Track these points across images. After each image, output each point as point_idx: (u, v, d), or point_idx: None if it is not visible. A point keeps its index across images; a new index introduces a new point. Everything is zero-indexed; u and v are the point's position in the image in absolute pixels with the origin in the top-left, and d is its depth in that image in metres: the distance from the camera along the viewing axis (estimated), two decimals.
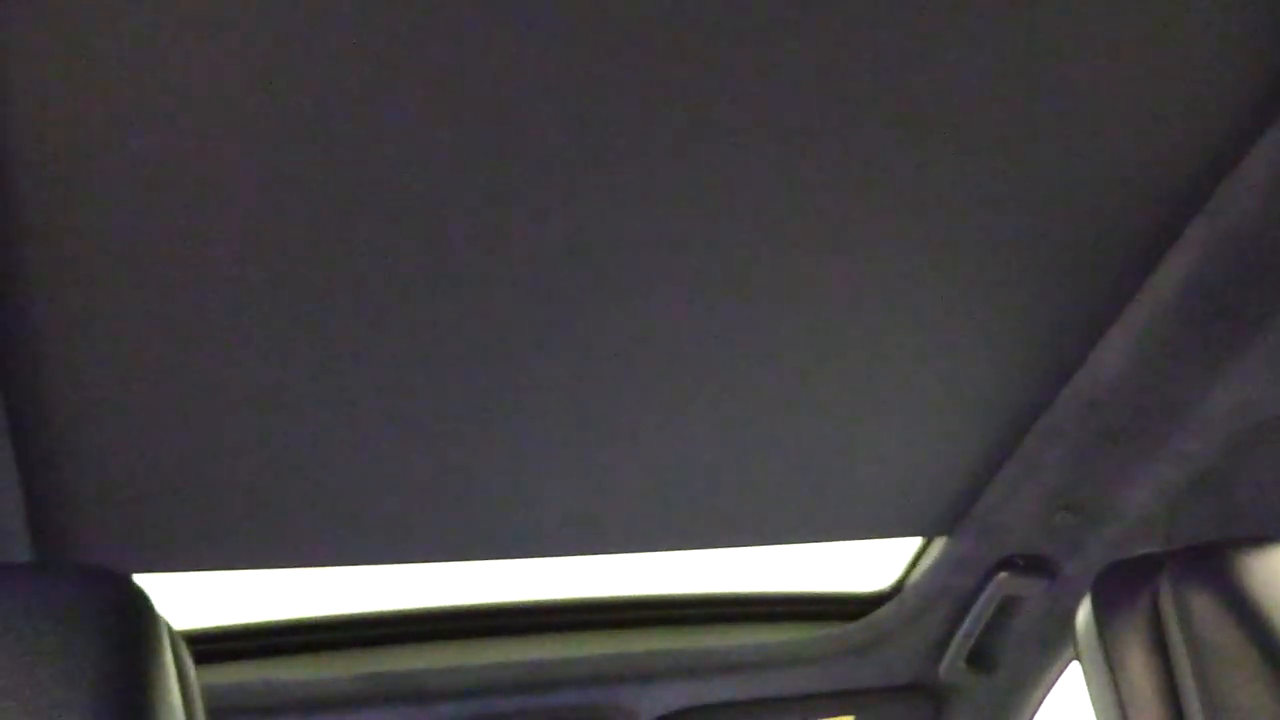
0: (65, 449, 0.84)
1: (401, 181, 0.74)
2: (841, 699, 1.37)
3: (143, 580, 0.59)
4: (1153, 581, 0.94)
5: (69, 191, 0.69)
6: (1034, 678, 1.38)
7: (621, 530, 1.07)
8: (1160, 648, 0.92)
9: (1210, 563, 0.91)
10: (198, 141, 0.68)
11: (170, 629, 0.62)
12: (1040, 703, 1.43)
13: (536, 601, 1.28)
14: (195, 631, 1.17)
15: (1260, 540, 0.94)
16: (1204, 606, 0.88)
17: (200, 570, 0.97)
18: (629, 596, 1.31)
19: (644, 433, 0.98)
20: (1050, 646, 1.35)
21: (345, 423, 0.89)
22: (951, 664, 1.36)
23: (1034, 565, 1.27)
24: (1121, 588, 0.95)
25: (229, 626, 1.18)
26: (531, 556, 1.07)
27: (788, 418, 1.01)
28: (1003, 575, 1.27)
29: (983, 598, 1.29)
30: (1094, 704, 0.95)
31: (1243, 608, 0.87)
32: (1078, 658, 0.97)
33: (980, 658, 1.38)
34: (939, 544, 1.28)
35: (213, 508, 0.92)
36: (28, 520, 0.87)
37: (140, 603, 0.57)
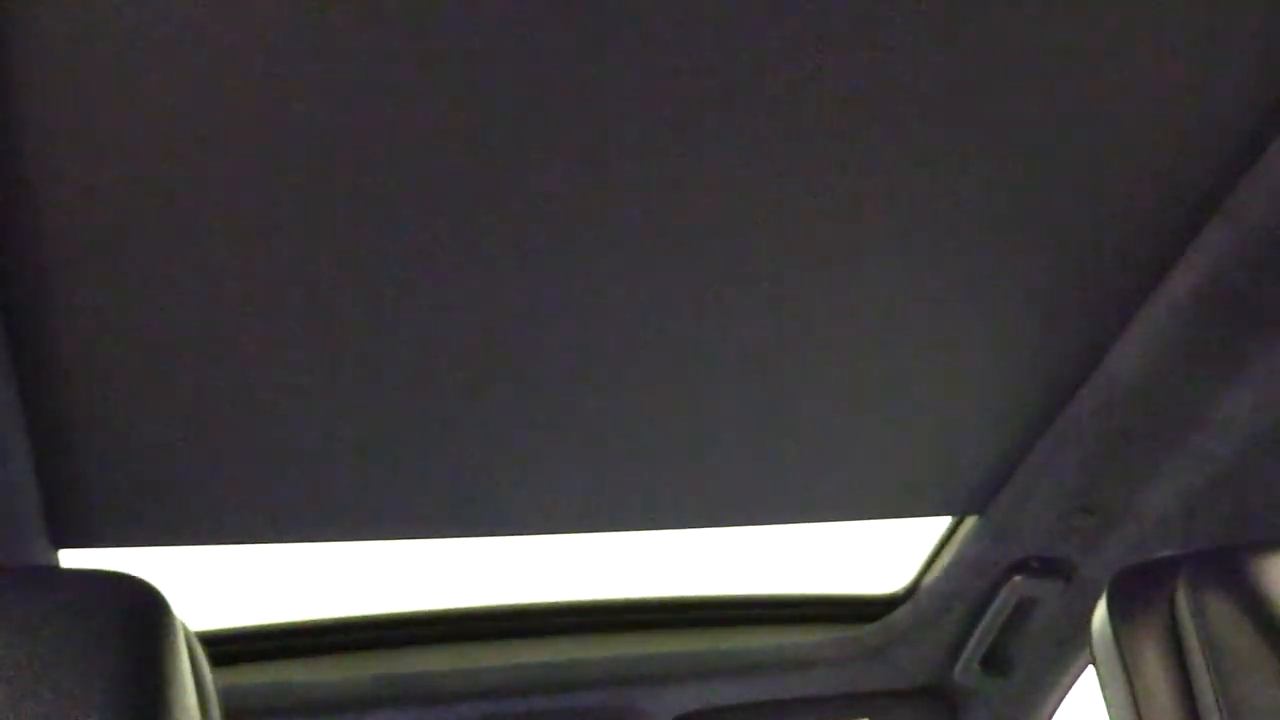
0: (76, 432, 0.84)
1: (406, 161, 0.74)
2: (856, 701, 1.37)
3: (160, 582, 0.60)
4: (1169, 584, 0.94)
5: (73, 182, 0.70)
6: (1050, 681, 1.37)
7: (648, 507, 1.06)
8: (1177, 651, 0.91)
9: (1227, 565, 0.90)
10: (197, 129, 0.69)
11: (187, 630, 0.62)
12: (1056, 706, 1.42)
13: (551, 603, 1.28)
14: (212, 633, 1.18)
15: (1278, 543, 0.93)
16: (1221, 609, 0.88)
17: (204, 544, 0.97)
18: (643, 598, 1.31)
19: (670, 409, 0.97)
20: (1066, 649, 1.34)
21: (352, 398, 0.89)
22: (966, 667, 1.35)
23: (1050, 567, 1.26)
24: (1138, 590, 0.94)
25: (246, 628, 1.19)
26: (553, 533, 1.06)
27: (810, 400, 1.00)
28: (1018, 577, 1.26)
29: (998, 600, 1.28)
30: (1109, 708, 0.95)
31: (1260, 611, 0.87)
32: (1093, 661, 0.97)
33: (995, 660, 1.37)
34: (953, 546, 1.28)
35: (219, 484, 0.92)
36: (41, 498, 0.87)
37: (157, 605, 0.57)
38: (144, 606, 0.56)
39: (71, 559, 0.98)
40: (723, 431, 1.01)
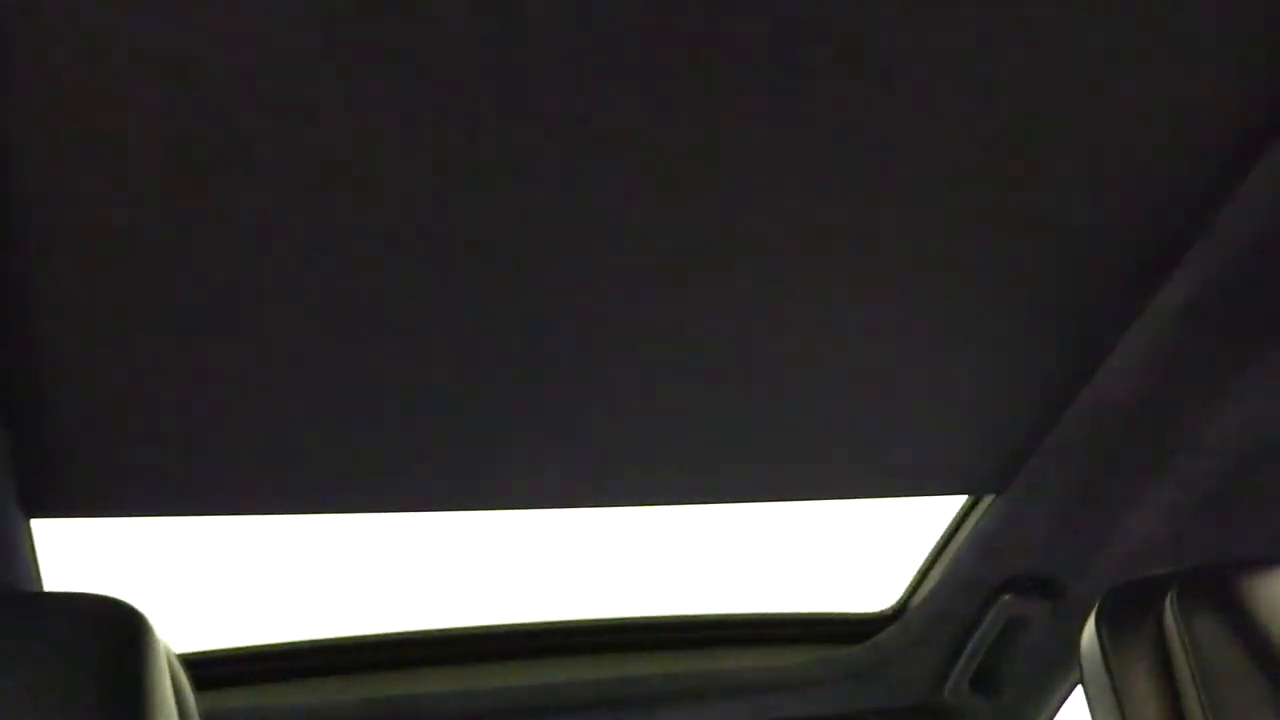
0: (50, 399, 0.82)
1: (407, 144, 0.73)
2: None
3: (142, 604, 0.59)
4: (1158, 603, 0.94)
5: (45, 155, 0.68)
6: (1040, 700, 1.37)
7: (657, 482, 1.05)
8: (1165, 670, 0.91)
9: (1216, 584, 0.90)
10: (176, 93, 0.68)
11: (170, 654, 0.62)
12: None
13: (540, 624, 1.28)
14: (197, 655, 1.17)
15: (1266, 562, 0.93)
16: (1210, 628, 0.88)
17: (180, 515, 0.94)
18: (634, 618, 1.31)
19: (679, 384, 0.96)
20: (1056, 669, 1.34)
21: (338, 363, 0.86)
22: (956, 686, 1.35)
23: (1039, 586, 1.26)
24: (1126, 610, 0.94)
25: (230, 650, 1.18)
26: (562, 507, 1.04)
27: (813, 385, 0.99)
28: (1007, 597, 1.26)
29: (987, 619, 1.28)
30: None
31: (1249, 630, 0.87)
32: (1082, 681, 0.97)
33: (985, 680, 1.37)
34: (942, 565, 1.28)
35: (197, 454, 0.90)
36: (13, 467, 0.85)
37: (139, 628, 0.57)
38: (126, 629, 0.56)
39: (44, 529, 0.95)
40: (728, 407, 1.00)
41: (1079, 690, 1.39)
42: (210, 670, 1.15)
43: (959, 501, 1.28)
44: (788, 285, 0.89)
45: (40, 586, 0.98)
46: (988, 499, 1.22)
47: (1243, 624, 0.87)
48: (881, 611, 1.37)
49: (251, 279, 0.78)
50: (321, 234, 0.77)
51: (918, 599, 1.31)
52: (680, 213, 0.82)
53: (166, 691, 0.57)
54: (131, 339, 0.81)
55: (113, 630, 0.55)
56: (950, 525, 1.30)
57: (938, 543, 1.31)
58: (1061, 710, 1.41)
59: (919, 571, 1.33)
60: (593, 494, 1.04)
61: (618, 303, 0.87)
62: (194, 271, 0.77)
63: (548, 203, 0.79)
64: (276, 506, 0.96)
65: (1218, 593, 0.90)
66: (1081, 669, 0.97)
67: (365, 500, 0.98)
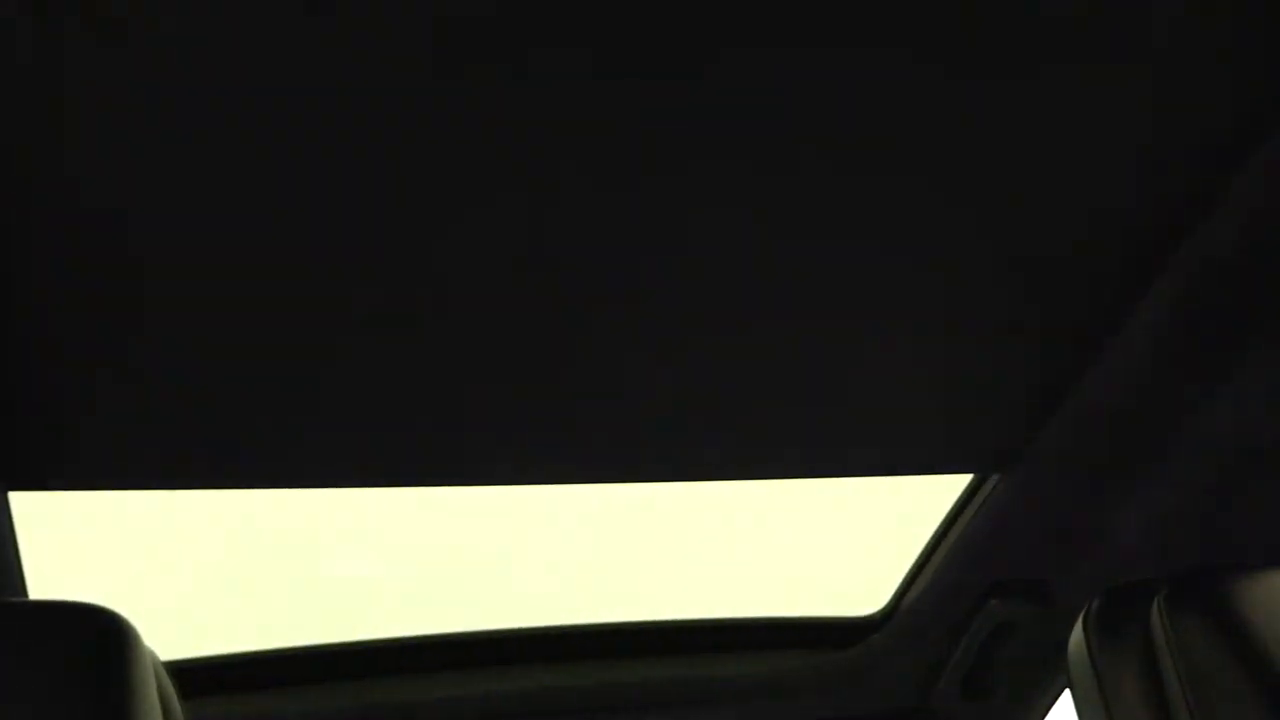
0: (27, 368, 0.81)
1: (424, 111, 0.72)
2: None
3: (129, 613, 0.59)
4: (1146, 607, 0.94)
5: (38, 126, 0.68)
6: (1029, 704, 1.37)
7: (659, 457, 1.04)
8: (1153, 674, 0.92)
9: (1204, 589, 0.91)
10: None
11: (155, 661, 0.61)
12: None
13: (526, 630, 1.28)
14: (185, 662, 1.16)
15: (1254, 566, 0.94)
16: (1197, 633, 0.88)
17: (161, 488, 0.93)
18: (623, 623, 1.31)
19: (687, 358, 0.95)
20: (1045, 673, 1.34)
21: (330, 336, 0.85)
22: (945, 691, 1.35)
23: (1027, 590, 1.27)
24: (1114, 614, 0.95)
25: (220, 657, 1.18)
26: (577, 481, 1.03)
27: (815, 367, 0.99)
28: (995, 601, 1.26)
29: (975, 624, 1.29)
30: None
31: (1236, 634, 0.87)
32: (1070, 685, 0.97)
33: (974, 684, 1.37)
34: (931, 569, 1.28)
35: (178, 425, 0.88)
36: None
37: (123, 635, 0.57)
38: (110, 637, 0.56)
39: (22, 501, 0.94)
40: (734, 384, 0.99)
41: (1068, 694, 1.40)
42: (197, 678, 1.15)
43: (949, 504, 1.29)
44: (794, 266, 0.89)
45: (25, 595, 0.97)
46: (976, 502, 1.22)
47: (1231, 628, 0.88)
48: (870, 616, 1.37)
49: (233, 253, 0.77)
50: (300, 208, 0.76)
51: (906, 603, 1.31)
52: (689, 201, 0.82)
53: (152, 699, 0.57)
54: (105, 315, 0.79)
55: (97, 638, 0.55)
56: (938, 529, 1.30)
57: (926, 546, 1.31)
58: (1050, 714, 1.41)
59: (907, 576, 1.33)
60: (592, 470, 1.03)
61: (619, 282, 0.87)
62: (173, 246, 0.76)
63: (546, 182, 0.78)
64: (258, 480, 0.95)
65: (1206, 597, 0.90)
66: (1070, 673, 0.97)
67: (349, 474, 0.97)
